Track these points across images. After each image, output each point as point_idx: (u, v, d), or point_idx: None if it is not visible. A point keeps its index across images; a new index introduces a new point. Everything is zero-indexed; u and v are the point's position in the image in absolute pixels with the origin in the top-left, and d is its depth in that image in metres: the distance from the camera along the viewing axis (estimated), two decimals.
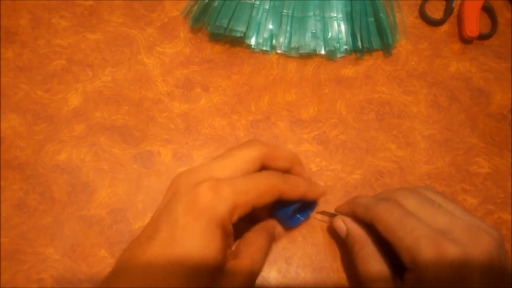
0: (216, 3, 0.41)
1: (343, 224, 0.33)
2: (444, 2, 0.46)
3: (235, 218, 0.28)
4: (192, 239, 0.26)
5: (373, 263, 0.30)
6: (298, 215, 0.34)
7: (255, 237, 0.32)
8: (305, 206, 0.34)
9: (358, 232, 0.32)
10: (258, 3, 0.41)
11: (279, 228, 0.34)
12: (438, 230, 0.27)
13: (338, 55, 0.42)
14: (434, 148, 0.39)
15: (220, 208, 0.26)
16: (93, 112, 0.40)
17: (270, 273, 0.34)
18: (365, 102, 0.41)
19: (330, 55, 0.42)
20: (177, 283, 0.25)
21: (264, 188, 0.29)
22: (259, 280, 0.34)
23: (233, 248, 0.31)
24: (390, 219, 0.29)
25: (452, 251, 0.26)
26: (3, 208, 0.36)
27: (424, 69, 0.43)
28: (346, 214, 0.34)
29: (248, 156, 0.30)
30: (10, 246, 0.34)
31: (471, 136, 0.40)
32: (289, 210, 0.32)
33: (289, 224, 0.34)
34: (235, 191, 0.27)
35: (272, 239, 0.33)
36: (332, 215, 0.34)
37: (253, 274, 0.30)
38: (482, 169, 0.39)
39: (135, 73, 0.41)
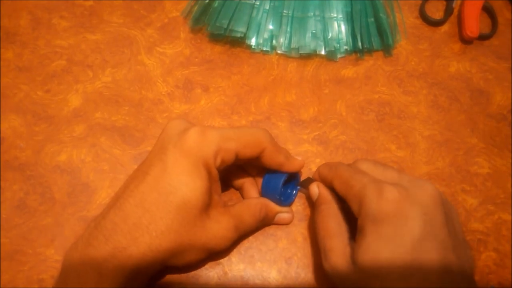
0: (216, 4, 0.41)
1: (317, 188, 0.34)
2: (444, 2, 0.46)
3: (218, 161, 0.30)
4: (181, 174, 0.28)
5: (333, 221, 0.31)
6: (289, 190, 0.36)
7: (253, 203, 0.34)
8: (292, 183, 0.36)
9: (327, 195, 0.33)
10: (258, 3, 0.41)
11: (276, 209, 0.35)
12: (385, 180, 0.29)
13: (338, 56, 0.43)
14: (434, 148, 0.39)
15: (206, 150, 0.29)
16: (93, 113, 0.40)
17: (270, 274, 0.34)
18: (365, 102, 0.41)
19: (330, 56, 0.42)
20: (169, 216, 0.28)
21: (249, 139, 0.31)
22: (259, 280, 0.34)
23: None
24: (346, 174, 0.31)
25: (391, 191, 0.27)
26: (3, 208, 0.36)
27: (424, 70, 0.43)
28: (317, 178, 0.35)
29: (254, 134, 0.32)
30: (10, 246, 0.34)
31: (471, 136, 0.40)
32: (278, 183, 0.33)
33: (283, 201, 0.35)
34: (221, 136, 0.30)
35: (268, 215, 0.34)
36: (311, 181, 0.35)
37: (237, 229, 0.32)
38: (482, 170, 0.39)
39: (135, 74, 0.41)
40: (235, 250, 0.35)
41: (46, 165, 0.37)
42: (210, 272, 0.34)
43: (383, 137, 0.40)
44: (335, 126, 0.40)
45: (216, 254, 0.32)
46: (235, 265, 0.34)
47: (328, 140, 0.39)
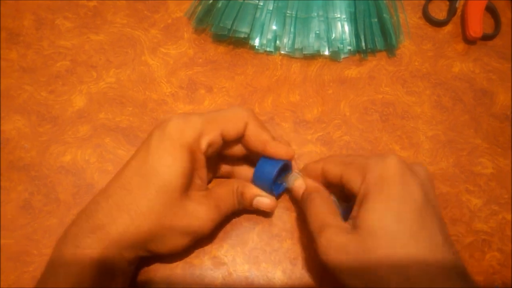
0: (220, 4, 0.41)
1: (302, 181, 0.33)
2: (447, 3, 0.46)
3: (204, 145, 0.30)
4: (162, 156, 0.29)
5: (326, 205, 0.31)
6: (278, 182, 0.35)
7: (230, 181, 0.34)
8: (283, 175, 0.35)
9: (316, 185, 0.33)
10: (261, 4, 0.41)
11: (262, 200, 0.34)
12: None
13: (342, 56, 0.43)
14: (438, 148, 0.39)
15: (188, 132, 0.30)
16: (98, 113, 0.40)
17: (275, 274, 0.34)
18: (369, 102, 0.41)
19: (334, 56, 0.42)
20: (150, 197, 0.29)
21: (230, 115, 0.32)
22: (264, 281, 0.34)
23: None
24: (338, 158, 0.31)
25: (394, 158, 0.28)
26: (8, 209, 0.36)
27: (427, 70, 0.43)
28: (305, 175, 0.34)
29: (235, 109, 0.32)
30: (15, 247, 0.35)
31: (475, 136, 0.40)
32: (271, 174, 0.32)
33: (274, 191, 0.34)
34: (204, 119, 0.31)
35: (244, 195, 0.33)
36: (297, 176, 0.34)
37: (218, 208, 0.32)
38: (486, 170, 0.39)
39: (139, 74, 0.41)
40: (239, 251, 0.35)
41: (50, 165, 0.37)
42: (215, 272, 0.34)
43: (387, 137, 0.40)
44: (339, 126, 0.40)
45: (200, 238, 0.32)
46: (240, 266, 0.34)
47: (332, 140, 0.39)
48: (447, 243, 0.27)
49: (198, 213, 0.31)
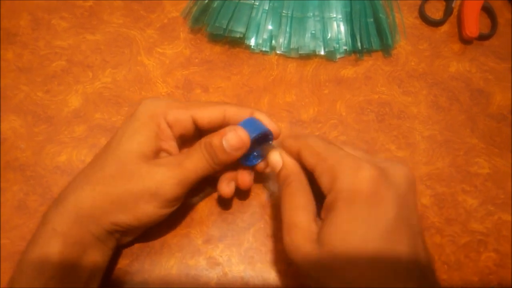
0: (215, 4, 0.41)
1: (279, 157, 0.31)
2: (443, 3, 0.46)
3: (170, 116, 0.31)
4: (125, 128, 0.31)
5: (302, 194, 0.29)
6: (255, 153, 0.33)
7: (198, 141, 0.32)
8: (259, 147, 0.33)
9: (295, 165, 0.30)
10: (257, 3, 0.41)
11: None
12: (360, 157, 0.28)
13: (338, 56, 0.43)
14: (434, 148, 0.39)
15: (154, 106, 0.32)
16: (93, 113, 0.40)
17: (270, 274, 0.34)
18: (365, 102, 0.41)
19: (330, 56, 0.42)
20: (107, 164, 0.30)
21: (206, 104, 0.33)
22: (259, 281, 0.34)
23: None
24: (316, 146, 0.29)
25: (369, 169, 0.26)
26: (3, 209, 0.36)
27: (424, 70, 0.43)
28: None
29: (210, 103, 0.33)
30: (11, 247, 0.35)
31: (471, 136, 0.40)
32: (255, 131, 0.31)
33: (246, 163, 0.33)
34: (175, 100, 0.32)
35: (213, 143, 0.30)
36: (272, 147, 0.32)
37: (181, 167, 0.30)
38: (482, 170, 0.39)
39: (135, 74, 0.41)
40: (235, 251, 0.35)
41: (46, 165, 0.37)
42: (210, 272, 0.34)
43: (383, 137, 0.40)
44: (335, 126, 0.40)
45: (169, 201, 0.30)
46: (235, 266, 0.34)
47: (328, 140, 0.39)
48: (416, 264, 0.25)
49: (156, 173, 0.29)
